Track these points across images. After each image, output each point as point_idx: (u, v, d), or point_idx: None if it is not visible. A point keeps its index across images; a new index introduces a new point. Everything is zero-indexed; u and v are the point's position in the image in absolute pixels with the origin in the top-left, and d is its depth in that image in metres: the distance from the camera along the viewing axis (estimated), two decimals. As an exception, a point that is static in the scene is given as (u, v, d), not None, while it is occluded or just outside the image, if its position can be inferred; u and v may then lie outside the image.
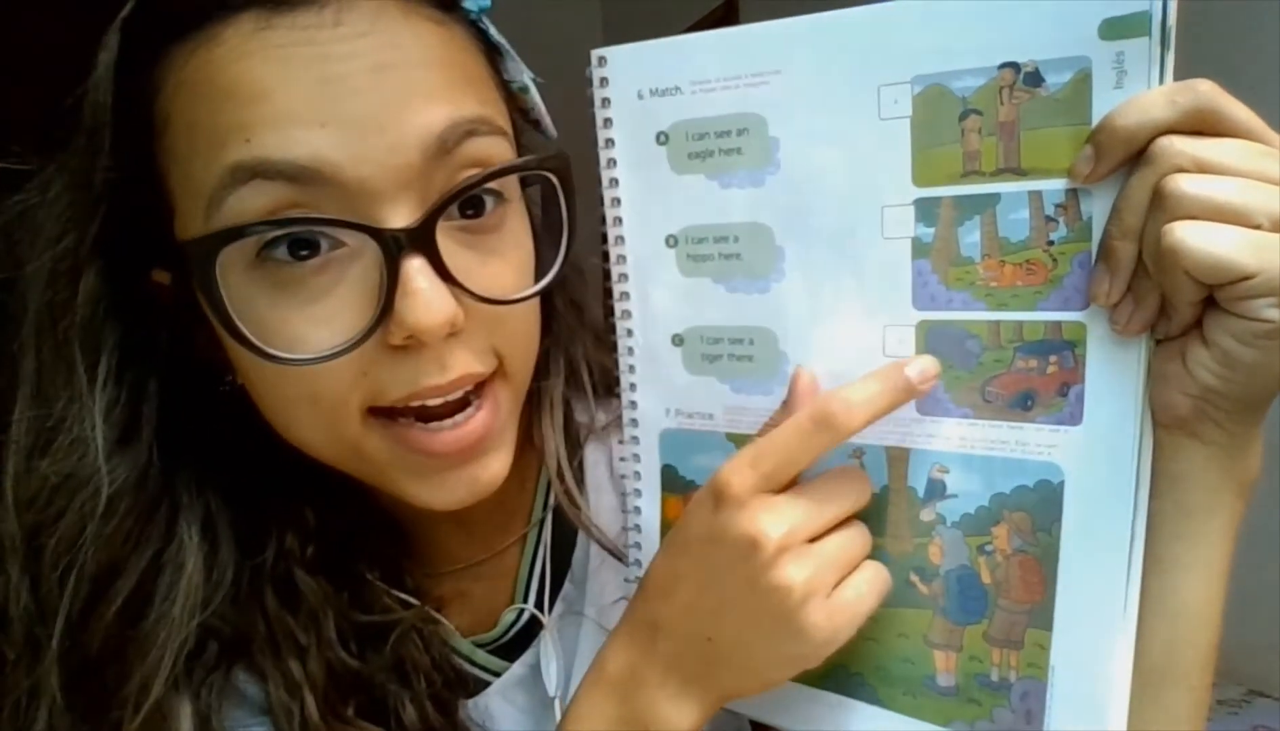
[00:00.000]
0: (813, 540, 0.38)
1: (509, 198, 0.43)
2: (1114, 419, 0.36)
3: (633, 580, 0.49)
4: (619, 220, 0.46)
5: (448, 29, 0.42)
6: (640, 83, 0.44)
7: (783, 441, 0.38)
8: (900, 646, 0.41)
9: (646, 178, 0.45)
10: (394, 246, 0.37)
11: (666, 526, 0.48)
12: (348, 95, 0.37)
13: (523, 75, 0.48)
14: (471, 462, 0.43)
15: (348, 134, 0.37)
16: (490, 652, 0.55)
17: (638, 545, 0.49)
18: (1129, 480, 0.36)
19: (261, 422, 0.44)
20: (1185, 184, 0.32)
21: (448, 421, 0.41)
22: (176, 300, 0.43)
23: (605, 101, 0.45)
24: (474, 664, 0.55)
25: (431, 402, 0.41)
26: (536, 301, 0.46)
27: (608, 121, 0.45)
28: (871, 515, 0.41)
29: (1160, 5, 0.33)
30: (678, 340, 0.46)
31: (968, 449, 0.39)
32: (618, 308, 0.47)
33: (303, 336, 0.38)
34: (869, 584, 0.39)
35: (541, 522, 0.56)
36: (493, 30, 0.46)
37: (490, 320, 0.41)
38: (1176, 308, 0.33)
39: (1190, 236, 0.31)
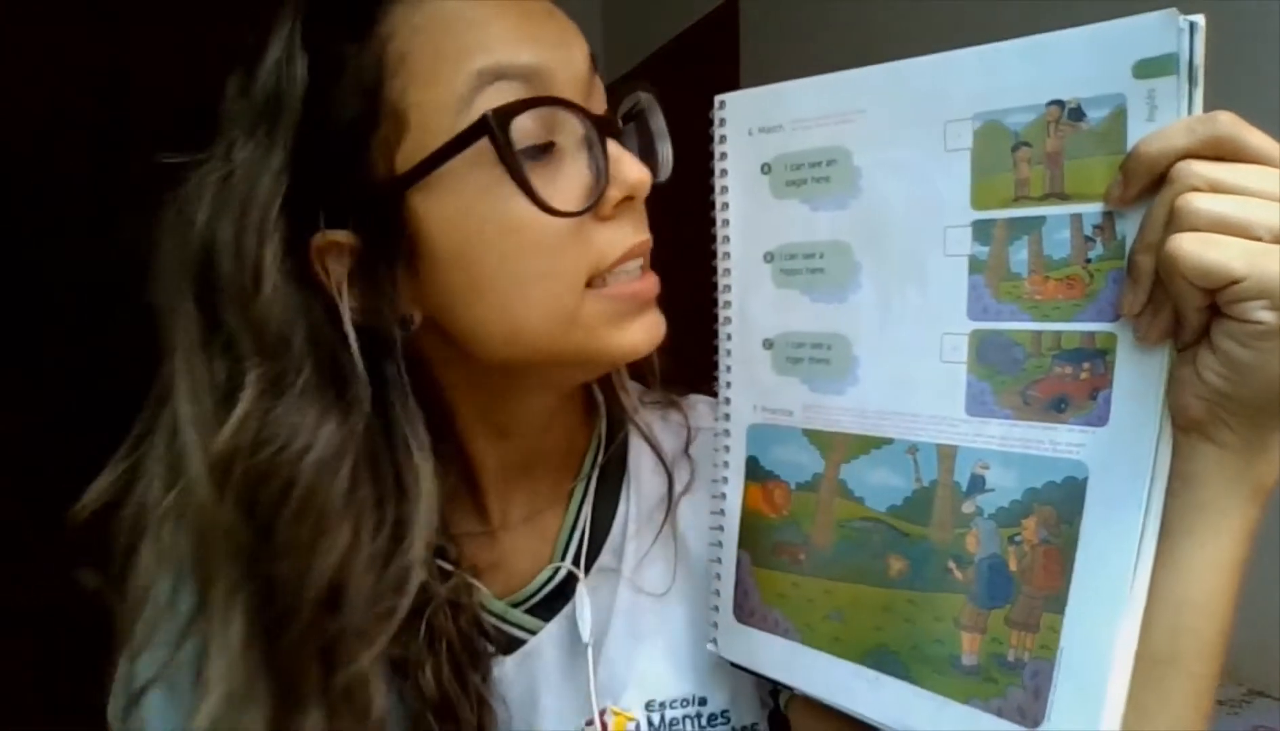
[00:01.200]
0: None
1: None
2: (1136, 421, 0.39)
3: (714, 561, 0.55)
4: (727, 238, 0.53)
5: None
6: (751, 122, 0.51)
7: None
8: (934, 628, 0.44)
9: (751, 202, 0.52)
10: (606, 128, 0.48)
11: (747, 512, 0.53)
12: (542, 23, 0.48)
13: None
14: (654, 310, 0.53)
15: (550, 48, 0.48)
16: (527, 612, 0.59)
17: (721, 528, 0.55)
18: (1145, 478, 0.38)
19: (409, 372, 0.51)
20: (1195, 201, 0.35)
21: (637, 273, 0.51)
22: (363, 254, 0.48)
23: (723, 138, 0.53)
24: (509, 622, 0.59)
25: (627, 266, 0.50)
26: None
27: (723, 155, 0.53)
28: (920, 506, 0.45)
29: (1188, 47, 0.37)
30: (768, 344, 0.52)
31: (1007, 447, 0.43)
32: (720, 315, 0.54)
33: (556, 205, 0.46)
34: None
35: (583, 497, 0.62)
36: None
37: (642, 206, 0.52)
38: (1185, 314, 0.36)
39: (1186, 244, 0.34)
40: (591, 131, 0.48)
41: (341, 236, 0.48)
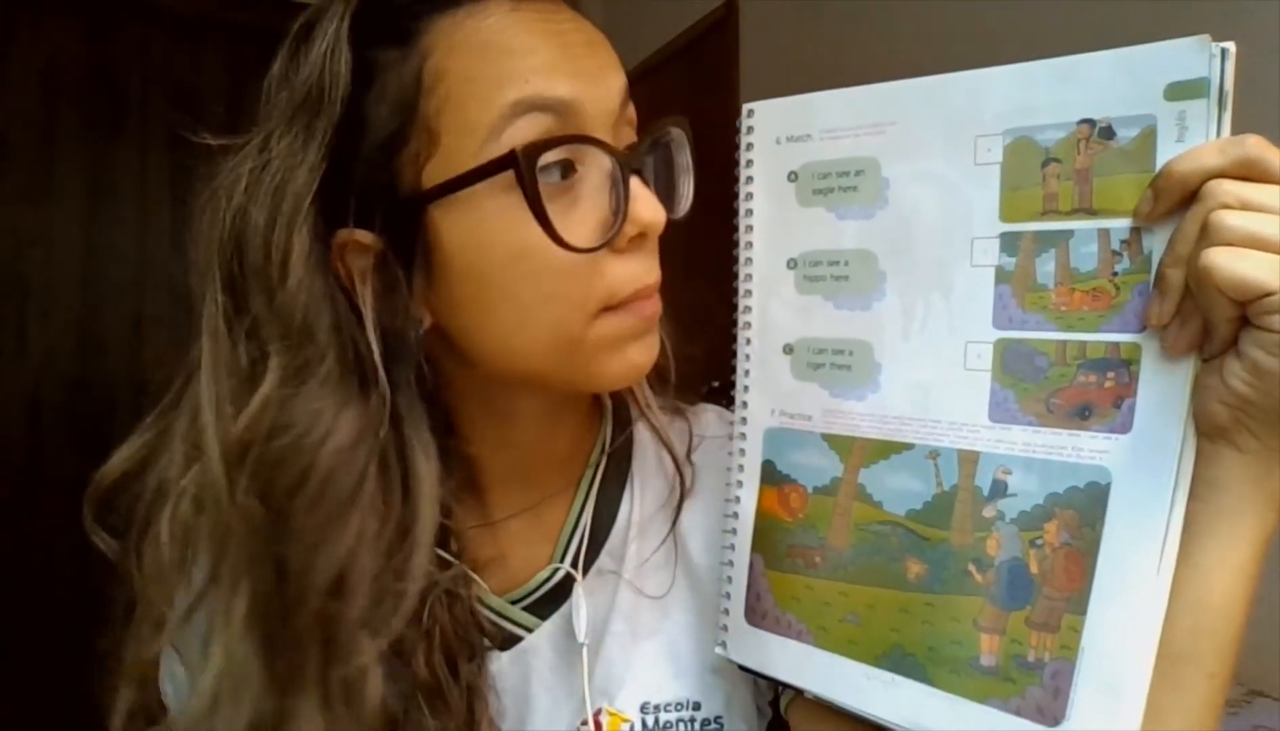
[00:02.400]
0: None
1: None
2: (1160, 428, 0.40)
3: (725, 563, 0.55)
4: (750, 244, 0.54)
5: None
6: (779, 131, 0.53)
7: None
8: (952, 630, 0.45)
9: (777, 209, 0.53)
10: (628, 165, 0.49)
11: (761, 515, 0.54)
12: (580, 57, 0.49)
13: None
14: (653, 333, 0.53)
15: (585, 82, 0.48)
16: (524, 609, 0.60)
17: (734, 531, 0.55)
18: (1168, 483, 0.40)
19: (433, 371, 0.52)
20: (1227, 217, 0.37)
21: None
22: (384, 255, 0.49)
23: (749, 146, 0.54)
24: (506, 619, 0.59)
25: (643, 301, 0.51)
26: None
27: (750, 162, 0.54)
28: (940, 510, 0.46)
29: (1219, 72, 0.39)
30: (788, 349, 0.53)
31: (1030, 453, 0.44)
32: (740, 319, 0.55)
33: (571, 239, 0.47)
34: None
35: (585, 498, 0.62)
36: None
37: (657, 241, 0.52)
38: (1215, 325, 0.38)
39: (1220, 257, 0.36)
40: (615, 168, 0.49)
41: (365, 236, 0.49)
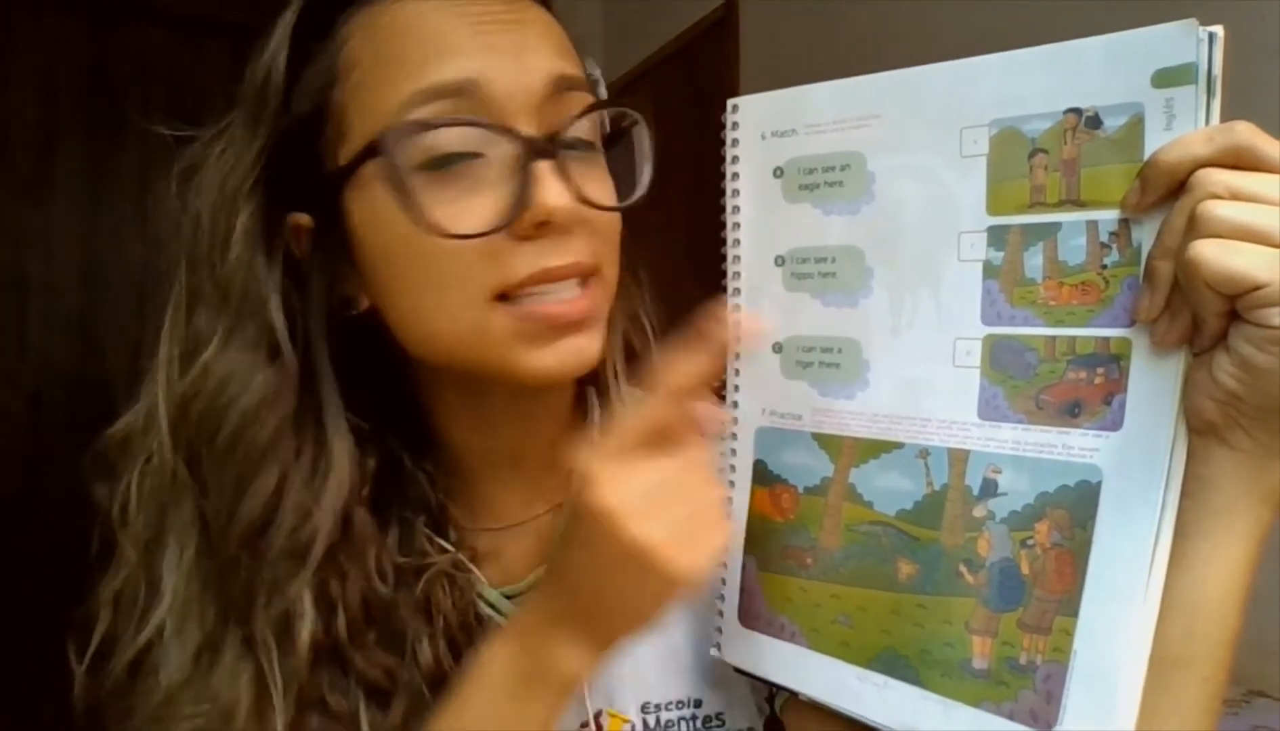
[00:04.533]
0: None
1: (598, 148, 0.54)
2: (1150, 425, 0.39)
3: (720, 565, 0.55)
4: (737, 242, 0.53)
5: (554, 20, 0.54)
6: (764, 126, 0.52)
7: (624, 414, 0.45)
8: (944, 632, 0.44)
9: (763, 206, 0.52)
10: (532, 148, 0.48)
11: (753, 517, 0.53)
12: (496, 34, 0.49)
13: (595, 71, 0.59)
14: (578, 334, 0.51)
15: (496, 59, 0.48)
16: (517, 603, 0.59)
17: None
18: (1159, 481, 0.39)
19: (376, 349, 0.54)
20: (1215, 207, 0.36)
21: (564, 294, 0.50)
22: (317, 237, 0.53)
23: (735, 142, 0.53)
24: (500, 613, 0.59)
25: (549, 287, 0.49)
26: (618, 230, 0.55)
27: (735, 158, 0.53)
28: (931, 510, 0.45)
29: (1206, 57, 0.37)
30: (777, 348, 0.52)
31: (1020, 451, 0.43)
32: (729, 319, 0.54)
33: (453, 224, 0.47)
34: (716, 509, 0.45)
35: None
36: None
37: (591, 227, 0.51)
38: (1204, 319, 0.37)
39: (1209, 250, 0.35)
40: (521, 151, 0.48)
41: (303, 219, 0.53)
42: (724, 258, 0.54)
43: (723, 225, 0.54)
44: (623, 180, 0.55)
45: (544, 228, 0.48)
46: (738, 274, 0.54)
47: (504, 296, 0.49)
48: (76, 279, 2.38)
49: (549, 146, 0.49)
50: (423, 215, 0.47)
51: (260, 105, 0.52)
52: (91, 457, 0.57)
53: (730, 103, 0.53)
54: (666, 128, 0.56)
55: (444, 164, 0.48)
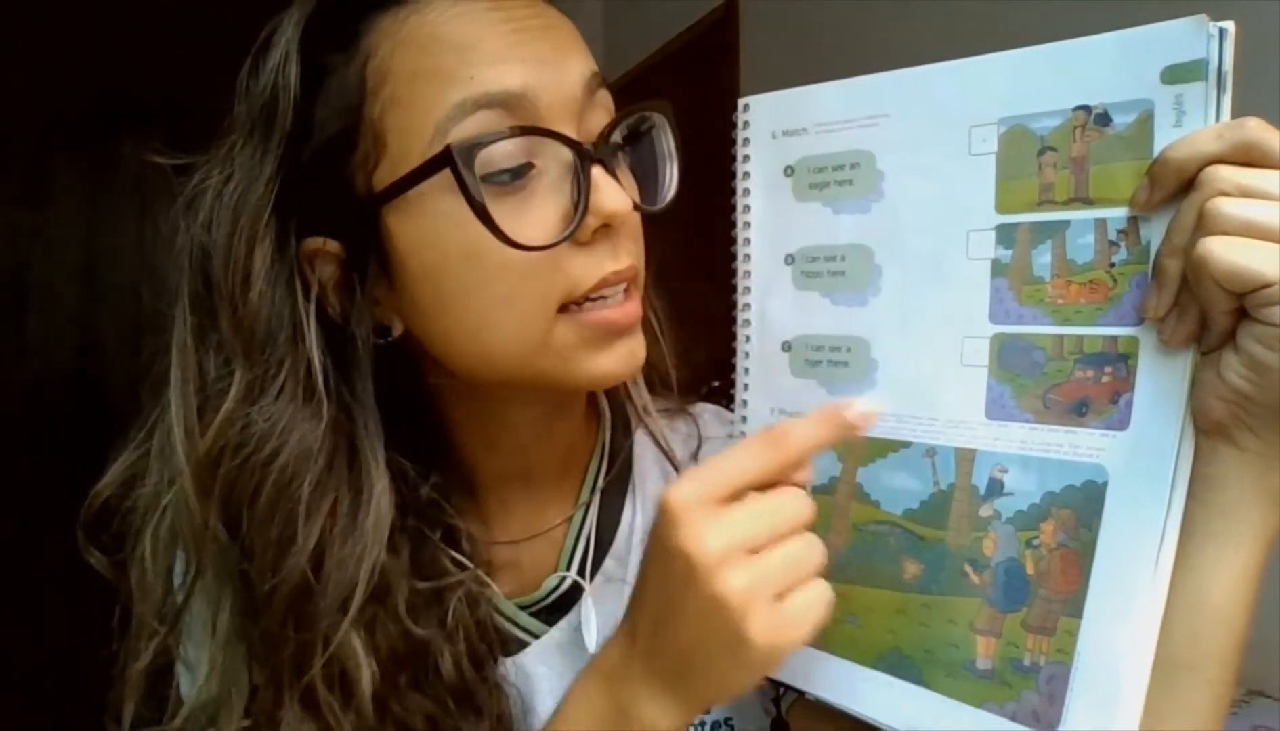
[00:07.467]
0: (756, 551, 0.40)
1: (626, 149, 0.53)
2: (1158, 425, 0.39)
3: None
4: (748, 241, 0.53)
5: (568, 17, 0.52)
6: (775, 125, 0.52)
7: (731, 456, 0.42)
8: (948, 632, 0.44)
9: (773, 204, 0.52)
10: (586, 154, 0.47)
11: (760, 514, 0.53)
12: (533, 41, 0.47)
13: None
14: (631, 337, 0.51)
15: (539, 69, 0.46)
16: (533, 615, 0.59)
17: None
18: (1166, 481, 0.39)
19: (401, 376, 0.52)
20: (1224, 205, 0.36)
21: (618, 298, 0.49)
22: (347, 264, 0.49)
23: (745, 141, 0.53)
24: (516, 625, 0.59)
25: (607, 292, 0.49)
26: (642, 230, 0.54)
27: (746, 157, 0.53)
28: (937, 509, 0.45)
29: (1216, 53, 0.38)
30: (787, 346, 0.52)
31: (1026, 451, 0.43)
32: (739, 317, 0.54)
33: (522, 236, 0.45)
34: (817, 597, 0.41)
35: (588, 505, 0.61)
36: None
37: (633, 230, 0.51)
38: (1213, 317, 0.37)
39: (1217, 247, 0.35)
40: (574, 158, 0.47)
41: (328, 244, 0.50)
42: (733, 256, 0.54)
43: (726, 223, 0.54)
44: (642, 180, 0.54)
45: (601, 232, 0.48)
46: (748, 272, 0.54)
47: (565, 307, 0.48)
48: (76, 279, 2.38)
49: (604, 151, 0.48)
50: (501, 229, 0.45)
51: (269, 125, 0.49)
52: (84, 522, 0.53)
53: (741, 102, 0.53)
54: (674, 149, 0.55)
55: (504, 177, 0.46)
